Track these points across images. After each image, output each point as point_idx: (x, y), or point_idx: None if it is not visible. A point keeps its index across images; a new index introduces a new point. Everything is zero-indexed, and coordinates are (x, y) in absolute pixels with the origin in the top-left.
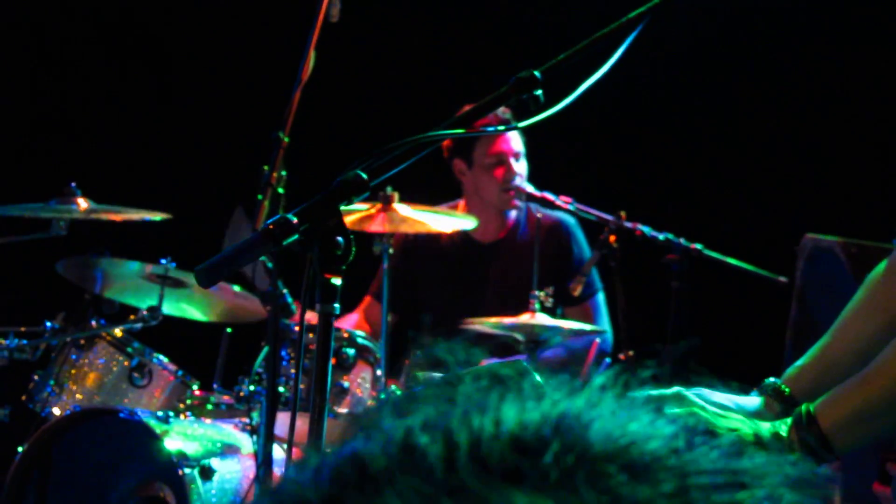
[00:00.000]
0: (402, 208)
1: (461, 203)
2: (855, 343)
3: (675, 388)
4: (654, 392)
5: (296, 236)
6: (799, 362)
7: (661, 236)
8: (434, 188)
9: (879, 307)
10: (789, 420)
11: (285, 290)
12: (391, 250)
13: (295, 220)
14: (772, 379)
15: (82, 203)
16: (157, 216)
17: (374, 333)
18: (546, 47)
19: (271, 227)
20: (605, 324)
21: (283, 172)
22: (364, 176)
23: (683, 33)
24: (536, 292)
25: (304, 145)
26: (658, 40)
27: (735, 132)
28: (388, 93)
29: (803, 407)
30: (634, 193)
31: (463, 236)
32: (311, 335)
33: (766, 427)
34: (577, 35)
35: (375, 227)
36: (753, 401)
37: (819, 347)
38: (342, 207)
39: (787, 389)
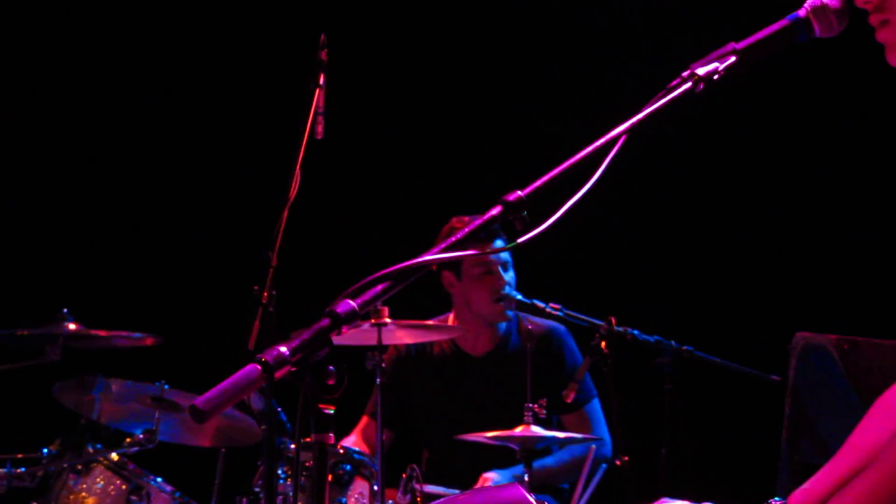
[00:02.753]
0: (391, 323)
1: (450, 316)
2: (862, 465)
3: None
4: None
5: (289, 368)
6: (805, 486)
7: (651, 339)
8: (422, 302)
9: (888, 431)
10: None
11: (279, 409)
12: (383, 364)
13: (287, 351)
14: (777, 499)
15: (74, 327)
16: (144, 337)
17: (373, 454)
18: (530, 164)
19: (264, 360)
20: (602, 431)
21: (274, 292)
22: (354, 305)
23: (665, 136)
24: (530, 404)
25: (293, 264)
26: (641, 146)
27: (722, 233)
28: (375, 207)
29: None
30: (623, 298)
31: (454, 350)
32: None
33: None
34: (561, 148)
35: (366, 341)
36: None
37: (824, 469)
38: (333, 337)
39: None
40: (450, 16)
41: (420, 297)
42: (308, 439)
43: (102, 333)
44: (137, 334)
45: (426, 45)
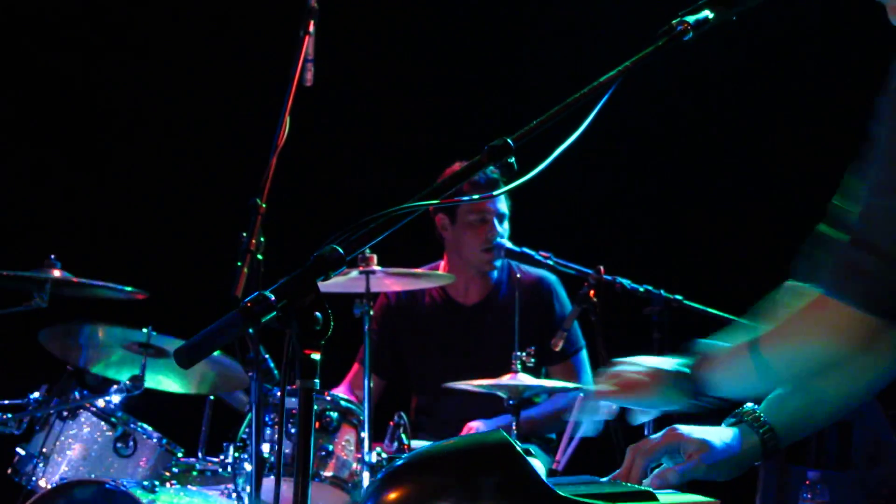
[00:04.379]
0: (380, 270)
1: (441, 264)
2: (835, 381)
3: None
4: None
5: (274, 313)
6: (779, 393)
7: (640, 288)
8: (413, 249)
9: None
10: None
11: (267, 356)
12: (371, 312)
13: (272, 296)
14: (750, 405)
15: (60, 274)
16: (132, 292)
17: (363, 402)
18: (521, 111)
19: (249, 304)
20: (588, 381)
21: (262, 238)
22: (340, 251)
23: (658, 85)
24: (518, 353)
25: (281, 211)
26: (633, 94)
27: (711, 182)
28: (365, 155)
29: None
30: (612, 247)
31: (445, 299)
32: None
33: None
34: (552, 97)
35: (354, 289)
36: (728, 432)
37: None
38: (319, 282)
39: (767, 423)
40: None
41: (410, 245)
42: (293, 385)
43: (90, 282)
44: (124, 287)
45: None
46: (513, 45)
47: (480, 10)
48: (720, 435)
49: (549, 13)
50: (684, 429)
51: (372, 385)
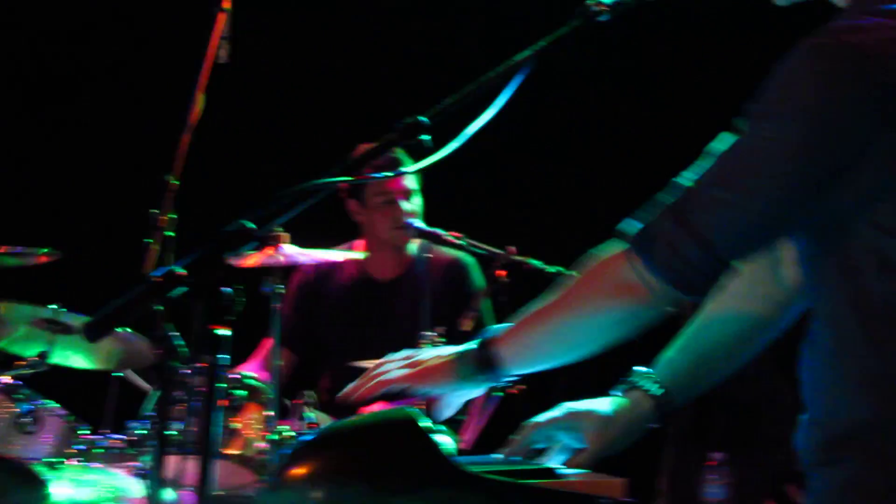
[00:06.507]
0: (290, 248)
1: (359, 243)
2: (724, 337)
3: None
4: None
5: (182, 289)
6: (669, 355)
7: (551, 269)
8: (334, 231)
9: (744, 301)
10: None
11: (174, 333)
12: (282, 289)
13: (181, 271)
14: (643, 369)
15: None
16: (42, 250)
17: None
18: (435, 89)
19: (158, 279)
20: None
21: (173, 215)
22: (251, 226)
23: (567, 68)
24: (426, 332)
25: (193, 188)
26: (544, 75)
27: (623, 166)
28: (279, 133)
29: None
30: (524, 227)
31: (362, 275)
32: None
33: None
34: (466, 75)
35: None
36: (618, 402)
37: (687, 340)
38: (229, 258)
39: (660, 386)
40: None
41: (332, 226)
42: (203, 364)
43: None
44: (32, 249)
45: None
46: (430, 23)
47: None
48: (611, 406)
49: None
50: (578, 405)
51: (282, 362)
